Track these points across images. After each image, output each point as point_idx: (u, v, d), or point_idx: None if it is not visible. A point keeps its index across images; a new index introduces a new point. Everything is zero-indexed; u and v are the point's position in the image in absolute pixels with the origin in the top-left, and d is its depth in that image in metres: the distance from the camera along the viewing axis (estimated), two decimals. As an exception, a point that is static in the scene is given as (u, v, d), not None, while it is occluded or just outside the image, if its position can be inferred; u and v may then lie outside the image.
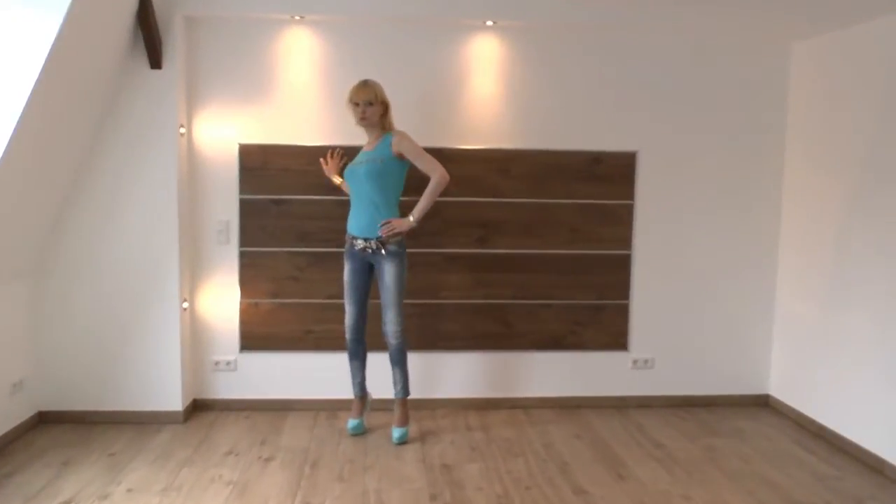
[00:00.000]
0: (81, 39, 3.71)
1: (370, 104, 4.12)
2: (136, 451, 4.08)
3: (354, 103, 4.14)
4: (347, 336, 4.35)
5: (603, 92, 4.79)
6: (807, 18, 4.30)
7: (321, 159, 4.51)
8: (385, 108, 4.18)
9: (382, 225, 4.11)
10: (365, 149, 4.23)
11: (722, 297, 4.97)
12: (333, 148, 4.54)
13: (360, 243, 4.19)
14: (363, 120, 4.15)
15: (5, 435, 4.12)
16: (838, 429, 4.35)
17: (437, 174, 4.10)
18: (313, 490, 3.66)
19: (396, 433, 4.29)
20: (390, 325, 4.24)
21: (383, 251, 4.15)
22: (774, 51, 4.87)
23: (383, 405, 4.55)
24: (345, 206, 4.40)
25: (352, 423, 4.38)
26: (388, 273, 4.17)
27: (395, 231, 4.11)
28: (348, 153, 4.44)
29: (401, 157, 4.14)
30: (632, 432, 4.49)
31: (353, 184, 4.20)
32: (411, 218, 4.11)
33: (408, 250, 4.30)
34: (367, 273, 4.28)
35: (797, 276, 4.80)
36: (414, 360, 4.53)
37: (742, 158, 4.91)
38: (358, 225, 4.20)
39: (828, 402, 4.46)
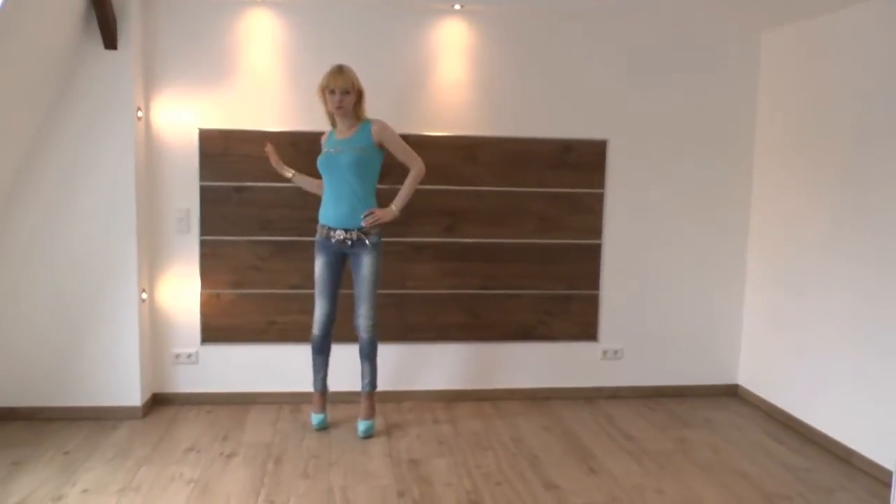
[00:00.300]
0: (27, 17, 3.52)
1: (347, 92, 3.98)
2: (92, 449, 3.92)
3: (330, 90, 3.99)
4: (317, 332, 4.21)
5: (573, 79, 4.71)
6: (777, 7, 4.25)
7: (269, 147, 4.21)
8: (360, 95, 4.05)
9: (367, 215, 4.02)
10: (338, 136, 4.07)
11: (692, 286, 4.94)
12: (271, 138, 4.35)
13: (339, 234, 4.04)
14: (339, 108, 4.00)
15: (-47, 433, 3.96)
16: (807, 419, 4.34)
17: (417, 165, 4.10)
18: (277, 487, 3.54)
19: (362, 426, 4.18)
20: (364, 318, 4.14)
21: (367, 242, 4.05)
22: (745, 39, 4.83)
23: (349, 398, 4.45)
24: (307, 193, 4.27)
25: (317, 418, 4.26)
26: (367, 265, 4.08)
27: (380, 221, 4.06)
28: (312, 138, 4.29)
29: (380, 146, 4.07)
30: (602, 424, 4.44)
31: (332, 173, 4.04)
32: (394, 208, 4.08)
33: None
34: (341, 266, 4.17)
35: (766, 266, 4.78)
36: (379, 351, 4.43)
37: (712, 147, 4.87)
38: (336, 215, 4.05)
39: (796, 392, 4.45)
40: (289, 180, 4.25)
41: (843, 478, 3.79)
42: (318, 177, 4.18)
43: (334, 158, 4.02)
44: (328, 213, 4.08)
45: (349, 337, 4.25)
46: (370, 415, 4.22)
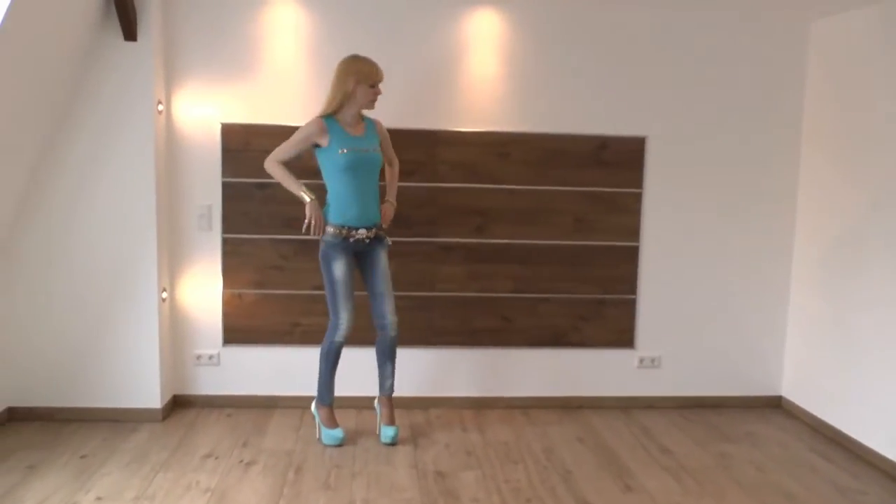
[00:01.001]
0: (44, 6, 3.40)
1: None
2: (108, 453, 3.81)
3: (371, 84, 3.82)
4: (341, 339, 3.96)
5: (611, 72, 4.50)
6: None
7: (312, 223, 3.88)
8: None
9: (384, 217, 4.02)
10: (351, 133, 3.88)
11: (734, 292, 4.70)
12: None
13: (361, 233, 3.88)
14: (373, 103, 3.88)
15: (-29, 433, 3.87)
16: (856, 435, 4.09)
17: (397, 162, 4.16)
18: (296, 499, 3.39)
19: (391, 432, 4.04)
20: (392, 315, 4.03)
21: (387, 238, 4.00)
22: (792, 30, 4.57)
23: (370, 403, 4.30)
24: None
25: (339, 432, 4.01)
26: (384, 260, 4.00)
27: (391, 218, 4.07)
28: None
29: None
30: (637, 436, 4.23)
31: (360, 172, 3.85)
32: (395, 202, 4.13)
33: (401, 239, 4.15)
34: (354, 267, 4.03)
35: (812, 271, 4.53)
36: (406, 356, 4.32)
37: (757, 146, 4.62)
38: (360, 214, 3.88)
39: (844, 405, 4.20)
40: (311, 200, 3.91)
41: (898, 501, 3.56)
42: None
43: (366, 157, 3.86)
44: (352, 213, 3.87)
45: (370, 340, 4.12)
46: (394, 419, 4.09)
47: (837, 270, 4.29)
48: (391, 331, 4.02)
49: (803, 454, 4.07)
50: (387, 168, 4.12)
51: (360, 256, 3.98)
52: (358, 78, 3.80)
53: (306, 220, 3.88)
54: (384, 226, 4.01)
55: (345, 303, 3.93)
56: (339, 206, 3.88)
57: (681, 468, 3.83)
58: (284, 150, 3.91)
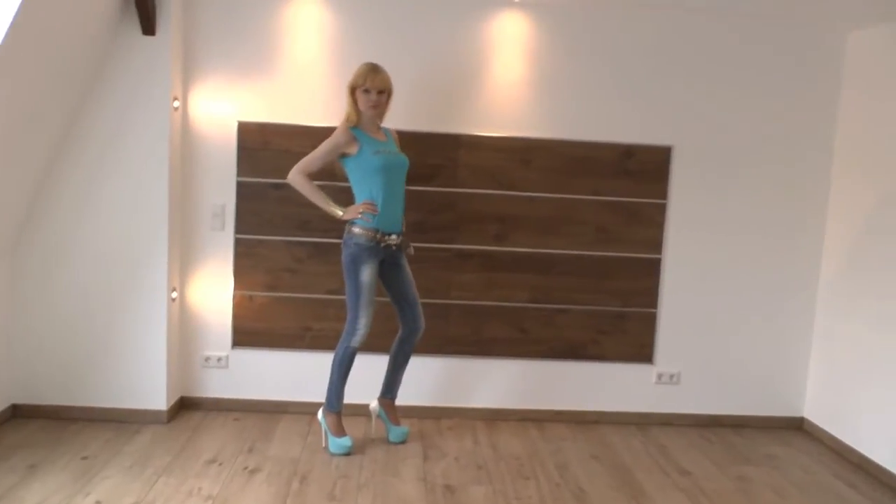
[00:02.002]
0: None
1: (381, 92, 3.77)
2: (111, 455, 3.73)
3: (364, 90, 3.75)
4: (356, 345, 3.88)
5: (637, 79, 4.38)
6: (867, 4, 3.88)
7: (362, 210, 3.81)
8: (390, 96, 3.85)
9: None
10: (375, 137, 3.84)
11: (758, 309, 4.56)
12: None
13: (392, 239, 3.84)
14: (375, 108, 3.78)
15: (-27, 429, 3.81)
16: (882, 461, 3.94)
17: None
18: (300, 510, 3.30)
19: (406, 429, 4.13)
20: (422, 318, 4.03)
21: (412, 248, 3.96)
22: (829, 40, 4.43)
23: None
24: (348, 193, 3.95)
25: (349, 441, 3.92)
26: (407, 266, 3.98)
27: None
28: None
29: None
30: (654, 455, 4.10)
31: (391, 175, 3.81)
32: None
33: (417, 245, 4.05)
34: None
35: (840, 290, 4.38)
36: (419, 364, 4.23)
37: (787, 159, 4.48)
38: (391, 220, 3.83)
39: (870, 429, 4.06)
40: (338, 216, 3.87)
41: (926, 533, 3.41)
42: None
43: (396, 160, 3.84)
44: (383, 219, 3.81)
45: (380, 347, 4.08)
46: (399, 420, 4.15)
47: (865, 290, 4.15)
48: (419, 335, 4.04)
49: (826, 479, 3.92)
50: None
51: (384, 262, 3.91)
52: (352, 84, 3.79)
53: (359, 215, 3.79)
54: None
55: (367, 308, 3.85)
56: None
57: (698, 490, 3.69)
58: (311, 160, 3.82)
